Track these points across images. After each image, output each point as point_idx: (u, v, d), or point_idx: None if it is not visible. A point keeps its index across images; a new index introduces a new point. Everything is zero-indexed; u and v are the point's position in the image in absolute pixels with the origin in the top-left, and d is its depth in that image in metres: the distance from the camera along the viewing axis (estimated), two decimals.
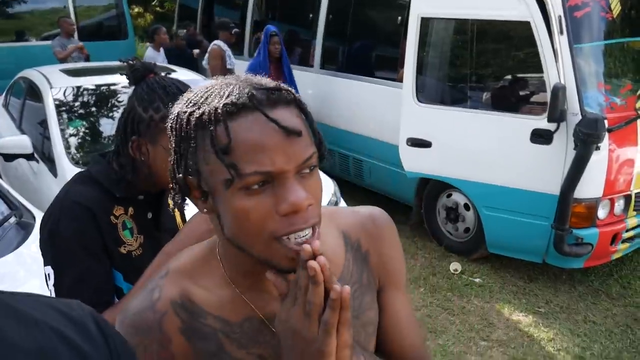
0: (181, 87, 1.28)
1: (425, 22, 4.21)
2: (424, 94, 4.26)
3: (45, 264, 1.26)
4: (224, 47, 6.28)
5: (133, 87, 1.31)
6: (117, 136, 1.32)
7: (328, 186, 3.78)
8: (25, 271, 2.10)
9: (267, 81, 0.77)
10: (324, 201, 3.57)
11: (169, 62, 6.22)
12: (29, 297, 0.65)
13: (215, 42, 6.30)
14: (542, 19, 3.56)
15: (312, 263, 0.68)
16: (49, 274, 1.24)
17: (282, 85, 0.76)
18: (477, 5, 3.94)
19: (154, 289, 0.85)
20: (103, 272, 1.27)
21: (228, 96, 0.73)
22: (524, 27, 3.68)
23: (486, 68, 4.27)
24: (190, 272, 0.85)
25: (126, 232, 1.31)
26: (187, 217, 1.59)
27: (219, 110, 0.72)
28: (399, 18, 4.89)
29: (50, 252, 1.24)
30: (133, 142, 1.27)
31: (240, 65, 6.27)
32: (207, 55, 6.32)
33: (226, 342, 0.83)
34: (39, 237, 1.27)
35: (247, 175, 0.70)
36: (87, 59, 6.89)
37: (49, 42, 7.12)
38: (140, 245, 1.34)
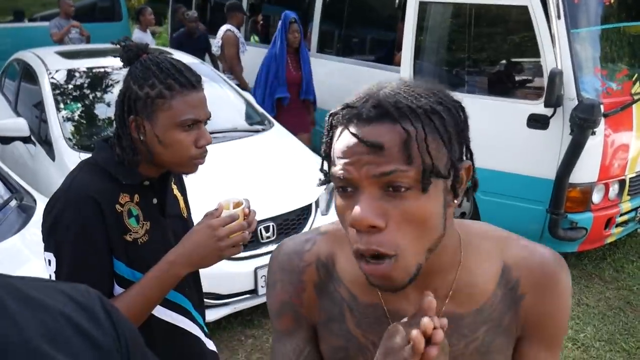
0: (175, 63, 1.29)
1: (423, 6, 4.20)
2: (421, 78, 4.25)
3: (46, 250, 1.26)
4: (237, 32, 5.86)
5: (128, 68, 1.32)
6: (116, 118, 1.33)
7: None
8: (27, 254, 2.10)
9: (401, 90, 0.75)
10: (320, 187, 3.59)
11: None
12: (38, 281, 0.66)
13: (227, 27, 5.80)
14: (540, 3, 3.56)
15: (416, 336, 0.67)
16: (49, 260, 1.25)
17: (399, 101, 0.73)
18: None
19: (309, 240, 0.93)
20: (103, 264, 1.27)
21: (342, 108, 0.77)
22: (522, 12, 3.68)
23: (483, 53, 4.27)
24: (342, 238, 0.87)
25: (132, 220, 1.31)
26: (191, 204, 1.61)
27: (329, 121, 0.79)
28: (397, 1, 4.88)
29: (53, 241, 1.25)
30: (131, 122, 1.28)
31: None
32: (217, 42, 5.85)
33: (348, 315, 0.88)
34: (41, 222, 1.28)
35: (332, 175, 0.76)
36: (88, 40, 6.84)
37: (46, 23, 7.04)
38: (146, 232, 1.34)
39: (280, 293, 0.91)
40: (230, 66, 5.75)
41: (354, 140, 0.72)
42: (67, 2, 6.89)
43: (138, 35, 6.67)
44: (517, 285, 0.85)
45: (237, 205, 1.30)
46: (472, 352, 0.84)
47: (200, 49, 6.60)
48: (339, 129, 0.76)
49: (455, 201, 0.77)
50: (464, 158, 0.79)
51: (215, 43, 5.89)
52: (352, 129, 0.73)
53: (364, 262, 0.73)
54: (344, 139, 0.74)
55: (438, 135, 0.73)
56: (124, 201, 1.31)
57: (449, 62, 4.42)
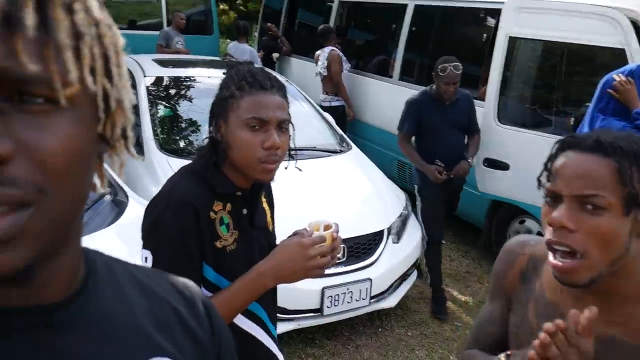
0: (252, 69, 1.36)
1: (513, 42, 4.14)
2: (505, 114, 4.19)
3: (145, 247, 1.34)
4: (340, 52, 5.97)
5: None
6: (210, 125, 1.41)
7: (400, 198, 3.78)
8: (118, 245, 2.22)
9: (620, 135, 0.96)
10: (395, 214, 3.56)
11: None
12: (152, 272, 0.71)
13: (330, 47, 5.91)
14: (639, 46, 3.44)
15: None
16: (146, 257, 1.33)
17: (615, 141, 0.93)
18: (569, 28, 3.83)
19: (534, 240, 1.19)
20: (194, 268, 1.33)
21: (566, 138, 1.01)
22: (618, 54, 3.57)
23: (573, 93, 4.16)
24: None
25: (223, 228, 1.37)
26: (275, 217, 1.65)
27: (557, 145, 1.01)
28: (485, 35, 4.84)
29: (152, 240, 1.33)
30: (217, 127, 1.36)
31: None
32: (323, 61, 5.87)
33: (531, 305, 1.11)
34: (142, 221, 1.36)
35: (544, 186, 1.01)
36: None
37: (149, 32, 7.47)
38: (234, 241, 1.39)
39: (496, 265, 1.20)
40: (337, 83, 5.81)
41: (569, 162, 0.94)
42: (179, 15, 7.34)
43: (244, 49, 6.94)
44: None
45: (327, 227, 1.35)
46: None
47: (463, 127, 3.83)
48: (562, 152, 0.97)
49: None
50: None
51: (321, 64, 5.91)
52: (571, 154, 0.95)
53: (553, 256, 0.95)
54: (561, 160, 0.97)
55: None
56: (217, 209, 1.37)
57: (536, 100, 4.32)
